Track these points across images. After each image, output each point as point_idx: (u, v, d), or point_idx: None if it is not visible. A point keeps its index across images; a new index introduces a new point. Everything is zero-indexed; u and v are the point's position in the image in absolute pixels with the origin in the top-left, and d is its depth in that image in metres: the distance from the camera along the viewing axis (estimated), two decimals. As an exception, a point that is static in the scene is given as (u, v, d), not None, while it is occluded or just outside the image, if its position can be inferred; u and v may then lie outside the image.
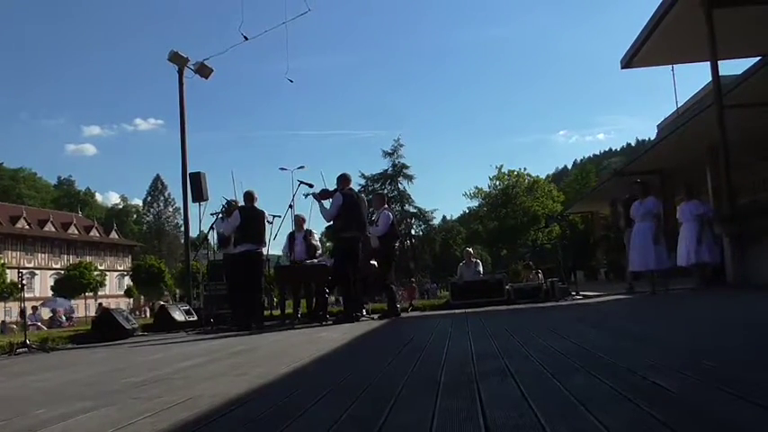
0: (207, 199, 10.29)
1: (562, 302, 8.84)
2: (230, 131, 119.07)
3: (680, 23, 9.36)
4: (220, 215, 8.88)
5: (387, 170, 50.75)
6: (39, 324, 13.87)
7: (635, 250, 8.10)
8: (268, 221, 8.12)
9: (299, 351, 4.03)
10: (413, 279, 34.63)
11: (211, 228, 9.25)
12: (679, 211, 8.96)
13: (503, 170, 43.57)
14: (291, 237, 8.87)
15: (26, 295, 9.32)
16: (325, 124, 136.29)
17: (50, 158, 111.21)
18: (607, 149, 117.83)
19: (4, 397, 2.97)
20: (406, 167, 50.85)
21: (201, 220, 10.11)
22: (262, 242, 7.84)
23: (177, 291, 41.99)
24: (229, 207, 8.54)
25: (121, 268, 60.83)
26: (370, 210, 8.22)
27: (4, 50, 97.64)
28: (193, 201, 10.58)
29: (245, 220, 7.65)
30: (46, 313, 15.17)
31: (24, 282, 8.18)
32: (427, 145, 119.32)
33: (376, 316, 8.12)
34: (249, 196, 7.94)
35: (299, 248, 8.69)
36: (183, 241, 15.10)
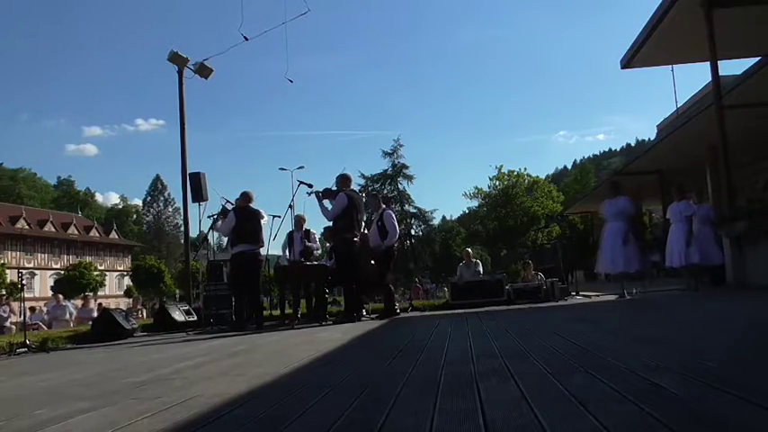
0: (206, 199, 10.29)
1: (562, 302, 8.85)
2: (230, 132, 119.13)
3: (680, 23, 9.35)
4: (217, 216, 8.89)
5: (387, 170, 50.82)
6: (39, 324, 13.87)
7: (604, 251, 7.93)
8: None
9: (298, 351, 4.03)
10: (417, 279, 34.67)
11: (210, 228, 9.26)
12: (669, 211, 8.95)
13: (503, 170, 43.53)
14: (291, 236, 8.87)
15: (26, 295, 9.30)
16: (326, 124, 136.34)
17: (51, 159, 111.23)
18: (607, 150, 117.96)
19: (4, 397, 2.97)
20: (406, 167, 50.95)
21: (201, 221, 10.11)
22: (258, 243, 7.80)
23: (177, 291, 41.99)
24: (224, 210, 8.55)
25: (121, 268, 60.81)
26: (369, 211, 8.22)
27: (4, 51, 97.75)
28: (193, 201, 10.58)
29: (240, 220, 7.61)
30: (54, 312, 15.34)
31: (24, 282, 8.17)
32: (427, 145, 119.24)
33: (374, 316, 8.13)
34: (245, 196, 7.91)
35: (297, 248, 8.69)
36: (182, 241, 15.10)
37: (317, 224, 42.56)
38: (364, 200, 8.49)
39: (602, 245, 8.04)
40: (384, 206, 8.23)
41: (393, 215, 8.05)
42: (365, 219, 8.24)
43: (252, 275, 7.67)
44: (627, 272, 7.90)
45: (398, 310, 8.13)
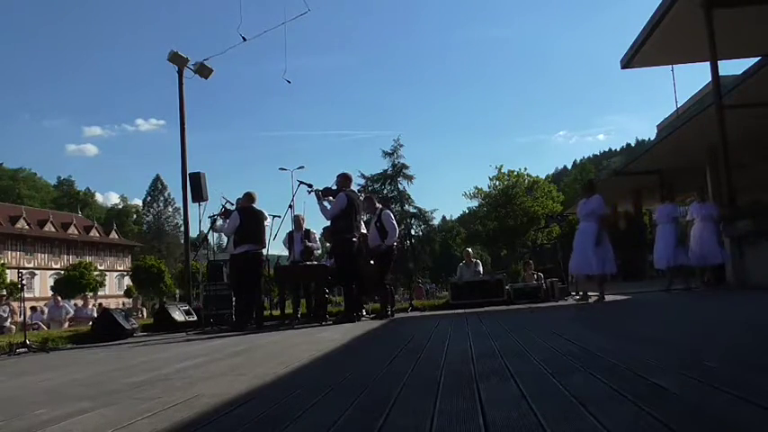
0: (206, 199, 10.28)
1: (562, 302, 8.84)
2: (230, 131, 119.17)
3: (680, 23, 9.36)
4: (216, 217, 8.92)
5: (387, 170, 50.79)
6: (39, 324, 13.90)
7: (575, 252, 7.68)
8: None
9: (299, 351, 4.03)
10: (419, 280, 34.67)
11: (210, 229, 9.27)
12: (656, 212, 8.93)
13: (503, 170, 43.54)
14: (290, 236, 8.88)
15: (26, 295, 9.29)
16: (326, 124, 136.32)
17: (51, 159, 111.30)
18: (607, 150, 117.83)
19: (4, 397, 2.97)
20: (406, 167, 50.91)
21: (201, 221, 10.10)
22: (261, 242, 7.84)
23: (177, 291, 42.00)
24: (226, 210, 8.58)
25: (121, 268, 60.83)
26: (365, 212, 8.20)
27: (5, 51, 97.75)
28: (193, 201, 10.57)
29: (244, 220, 7.65)
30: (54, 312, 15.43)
31: (24, 282, 8.16)
32: (427, 145, 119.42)
33: (374, 316, 8.13)
34: (248, 197, 7.95)
35: (298, 248, 8.70)
36: (182, 241, 15.10)
37: (317, 224, 42.54)
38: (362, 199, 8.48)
39: (574, 245, 7.79)
40: (381, 206, 8.22)
41: (392, 215, 8.04)
42: (364, 220, 8.24)
43: (254, 275, 7.71)
44: (603, 274, 7.64)
45: (390, 313, 7.99)
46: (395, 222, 7.95)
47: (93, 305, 16.81)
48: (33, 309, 16.59)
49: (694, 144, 12.55)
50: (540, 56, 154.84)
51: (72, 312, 15.29)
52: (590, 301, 7.76)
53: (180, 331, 8.48)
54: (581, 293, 8.22)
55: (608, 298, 7.76)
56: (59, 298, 16.93)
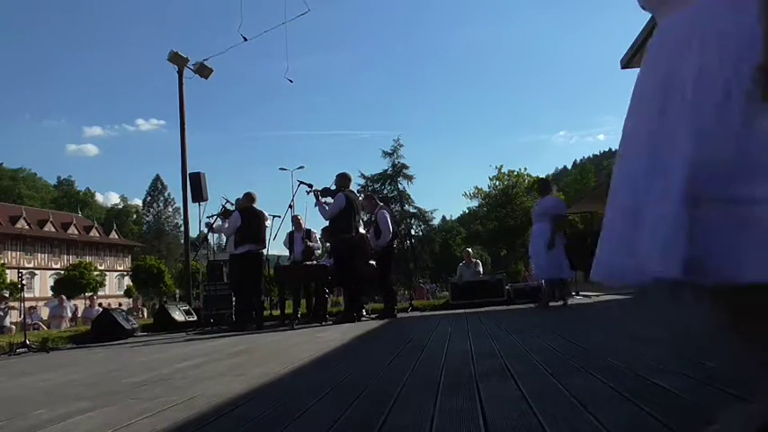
0: (206, 199, 10.30)
1: (562, 302, 8.83)
2: (230, 132, 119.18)
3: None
4: (214, 216, 8.95)
5: (387, 170, 50.82)
6: (39, 323, 13.94)
7: (533, 256, 7.32)
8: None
9: (298, 351, 4.03)
10: (421, 281, 34.72)
11: (210, 230, 9.28)
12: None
13: (503, 170, 43.52)
14: (291, 236, 8.89)
15: (26, 295, 9.30)
16: (326, 124, 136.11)
17: (51, 159, 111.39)
18: (607, 150, 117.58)
19: (4, 397, 2.97)
20: (406, 167, 50.93)
21: (201, 221, 10.11)
22: (262, 243, 7.86)
23: (177, 291, 41.97)
24: (226, 210, 8.60)
25: (121, 268, 60.79)
26: (365, 212, 8.20)
27: (5, 51, 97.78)
28: (193, 201, 10.58)
29: (245, 220, 7.66)
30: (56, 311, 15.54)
31: (24, 282, 8.16)
32: (427, 145, 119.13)
33: (374, 316, 8.12)
34: (248, 197, 7.96)
35: (298, 249, 8.70)
36: (182, 241, 15.11)
37: (317, 224, 42.56)
38: (360, 198, 8.48)
39: (530, 250, 7.51)
40: (381, 204, 8.22)
41: (387, 215, 8.04)
42: (364, 220, 8.24)
43: (255, 275, 7.72)
44: (561, 278, 7.31)
45: (394, 313, 7.99)
46: (390, 223, 7.93)
47: (99, 305, 16.98)
48: (32, 308, 16.69)
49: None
50: (540, 56, 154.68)
51: (71, 313, 15.40)
52: (549, 305, 7.57)
53: (180, 331, 8.49)
54: (542, 299, 7.91)
55: (605, 298, 7.71)
56: (64, 297, 17.06)
